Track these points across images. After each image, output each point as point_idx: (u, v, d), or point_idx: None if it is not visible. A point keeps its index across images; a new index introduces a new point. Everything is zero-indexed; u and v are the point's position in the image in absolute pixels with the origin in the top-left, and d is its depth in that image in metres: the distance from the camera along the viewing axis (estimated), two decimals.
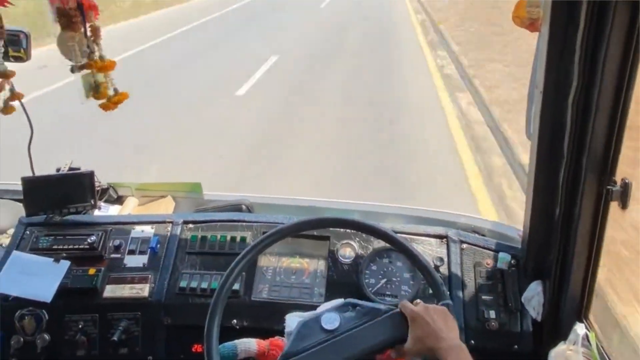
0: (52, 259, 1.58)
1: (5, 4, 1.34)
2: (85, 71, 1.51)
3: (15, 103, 1.58)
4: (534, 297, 1.45)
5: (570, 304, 1.36)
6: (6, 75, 1.51)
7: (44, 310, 1.52)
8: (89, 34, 1.50)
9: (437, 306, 1.16)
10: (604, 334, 1.35)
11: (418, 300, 1.19)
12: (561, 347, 1.29)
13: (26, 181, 1.68)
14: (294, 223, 1.34)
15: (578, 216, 1.25)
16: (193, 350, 1.58)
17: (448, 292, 1.50)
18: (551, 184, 1.30)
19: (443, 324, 1.10)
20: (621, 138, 1.15)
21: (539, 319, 1.44)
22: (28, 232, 1.67)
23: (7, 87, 1.53)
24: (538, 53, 1.19)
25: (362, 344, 1.13)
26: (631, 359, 1.44)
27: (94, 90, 1.55)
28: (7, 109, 1.56)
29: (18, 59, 1.54)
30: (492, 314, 1.48)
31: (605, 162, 1.18)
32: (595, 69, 1.10)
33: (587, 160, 1.18)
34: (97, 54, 1.53)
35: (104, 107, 1.59)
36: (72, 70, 1.50)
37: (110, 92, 1.59)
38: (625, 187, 1.15)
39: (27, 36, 1.54)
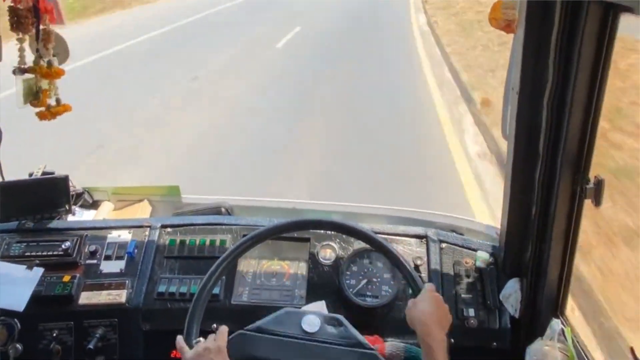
0: (25, 267, 1.53)
1: None
2: (28, 75, 1.47)
3: None
4: (511, 294, 1.47)
5: (546, 300, 1.39)
6: None
7: (16, 320, 1.47)
8: (40, 37, 1.46)
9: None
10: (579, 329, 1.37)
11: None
12: (538, 342, 1.31)
13: None
14: (273, 225, 1.34)
15: (553, 214, 1.28)
16: (172, 355, 1.55)
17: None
18: (527, 182, 1.32)
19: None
20: (594, 137, 1.18)
21: (517, 316, 1.46)
22: None
23: None
24: (513, 54, 1.21)
25: None
26: (605, 351, 1.47)
27: (34, 96, 1.50)
28: None
29: None
30: (471, 312, 1.50)
31: (579, 161, 1.21)
32: (569, 69, 1.12)
33: (562, 159, 1.21)
34: (45, 59, 1.49)
35: (41, 115, 1.54)
36: (14, 72, 1.46)
37: (52, 102, 1.54)
38: (599, 185, 1.17)
39: None
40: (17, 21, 1.39)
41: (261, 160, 5.10)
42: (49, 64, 1.49)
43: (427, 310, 1.19)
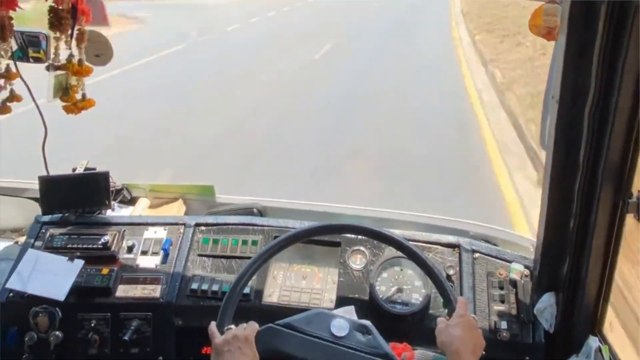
0: (67, 258, 1.59)
1: (15, 7, 1.37)
2: (59, 71, 1.55)
3: (22, 103, 1.59)
4: (546, 308, 1.43)
5: (583, 316, 1.34)
6: (9, 76, 1.53)
7: (57, 308, 1.54)
8: (74, 37, 1.53)
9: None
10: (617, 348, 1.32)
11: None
12: None
13: (43, 180, 1.71)
14: (305, 228, 1.35)
15: (593, 228, 1.23)
16: (203, 352, 1.58)
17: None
18: (566, 194, 1.28)
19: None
20: (638, 149, 1.13)
21: (551, 330, 1.42)
22: (43, 230, 1.70)
23: (9, 87, 1.55)
24: (554, 62, 1.18)
25: None
26: None
27: (64, 91, 1.58)
28: (3, 109, 1.58)
29: (38, 60, 1.57)
30: (504, 324, 1.47)
31: (622, 174, 1.16)
32: (612, 78, 1.08)
33: (603, 171, 1.16)
34: (76, 57, 1.56)
35: (68, 109, 1.61)
36: (48, 68, 1.54)
37: (78, 97, 1.62)
38: None
39: (46, 37, 1.57)
40: (57, 21, 1.46)
41: None
42: (80, 62, 1.56)
43: (460, 336, 1.13)
